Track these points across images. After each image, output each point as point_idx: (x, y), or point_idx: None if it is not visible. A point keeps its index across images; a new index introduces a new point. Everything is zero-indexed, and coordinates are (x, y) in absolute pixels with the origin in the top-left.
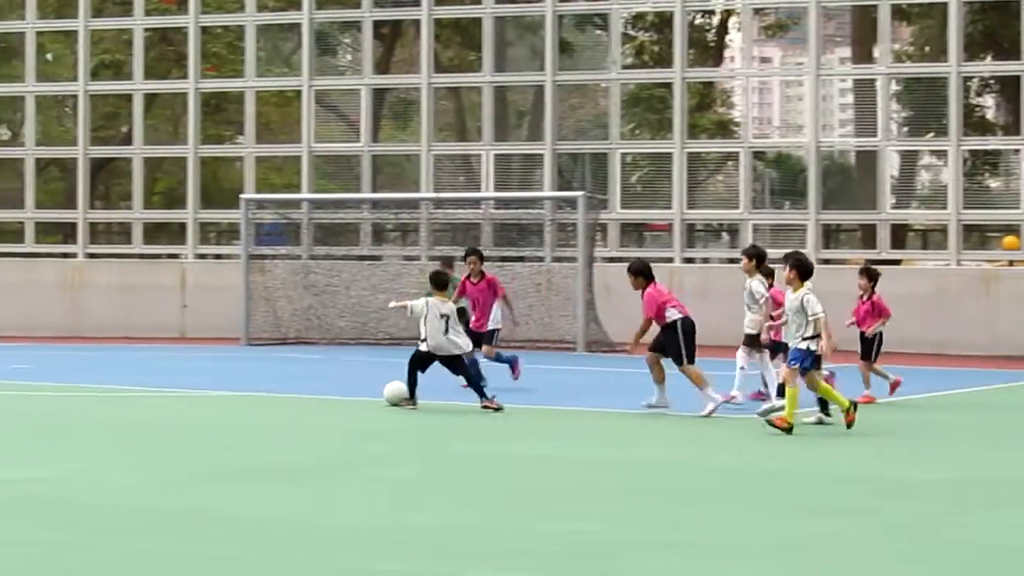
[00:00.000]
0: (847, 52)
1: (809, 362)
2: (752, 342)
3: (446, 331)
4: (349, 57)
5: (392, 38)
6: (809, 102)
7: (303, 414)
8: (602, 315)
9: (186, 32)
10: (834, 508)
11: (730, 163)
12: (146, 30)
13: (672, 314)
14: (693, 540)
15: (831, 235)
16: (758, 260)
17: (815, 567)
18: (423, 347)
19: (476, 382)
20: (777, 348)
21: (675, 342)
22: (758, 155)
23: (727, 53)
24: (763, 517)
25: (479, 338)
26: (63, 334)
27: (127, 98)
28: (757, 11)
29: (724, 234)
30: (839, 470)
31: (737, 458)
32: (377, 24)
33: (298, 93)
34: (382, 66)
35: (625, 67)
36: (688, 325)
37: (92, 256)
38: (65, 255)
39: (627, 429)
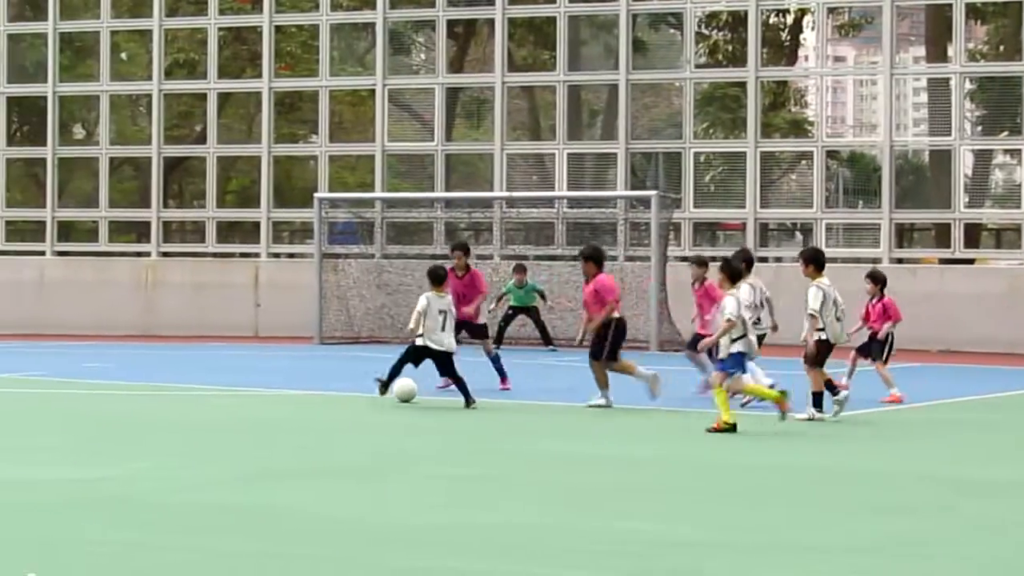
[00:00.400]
0: (921, 51)
1: (741, 365)
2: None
3: (443, 327)
4: (423, 56)
5: (466, 37)
6: (883, 101)
7: (374, 413)
8: (675, 314)
9: (260, 31)
10: (902, 508)
11: (804, 162)
12: (220, 29)
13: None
14: (756, 540)
15: (904, 234)
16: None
17: (884, 567)
18: (419, 341)
19: (462, 382)
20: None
21: (604, 338)
22: (832, 154)
23: (801, 52)
24: (829, 517)
25: (470, 328)
26: (136, 333)
27: (201, 97)
28: (831, 10)
29: (797, 233)
30: (908, 469)
31: (798, 458)
32: (451, 23)
33: (372, 92)
34: (456, 65)
35: (699, 66)
36: (623, 326)
37: (165, 255)
38: (139, 254)
39: (693, 427)
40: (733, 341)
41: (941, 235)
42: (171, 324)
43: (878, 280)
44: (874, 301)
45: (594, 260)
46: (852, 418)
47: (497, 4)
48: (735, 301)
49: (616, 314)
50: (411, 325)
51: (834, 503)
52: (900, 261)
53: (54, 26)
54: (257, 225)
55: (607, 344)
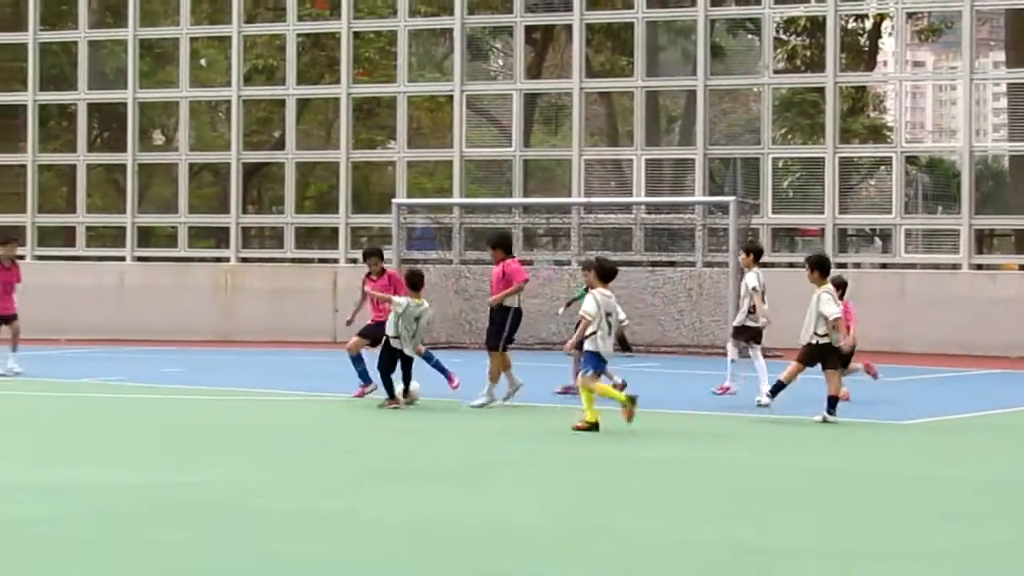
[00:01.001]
0: (1001, 56)
1: (596, 363)
2: (754, 335)
3: (414, 335)
4: (501, 62)
5: (544, 43)
6: (962, 106)
7: (450, 418)
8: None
9: (339, 37)
10: (974, 515)
11: (882, 168)
12: (299, 35)
13: (513, 300)
14: (848, 547)
15: (984, 240)
16: (755, 255)
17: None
18: (395, 344)
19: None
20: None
21: (501, 327)
22: (911, 160)
23: (880, 57)
24: (925, 524)
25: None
26: (215, 338)
27: (280, 103)
28: (910, 15)
29: (876, 239)
30: (982, 476)
31: (892, 463)
32: (529, 29)
33: (450, 98)
34: (533, 71)
35: (777, 71)
36: (520, 315)
37: (244, 260)
38: (218, 259)
39: (776, 433)
40: (586, 338)
41: (1021, 241)
42: (250, 329)
43: (839, 285)
44: None
45: (501, 247)
46: (923, 425)
47: (575, 9)
48: (592, 299)
49: (516, 303)
50: (389, 332)
51: (914, 509)
52: (980, 267)
53: (134, 32)
54: (335, 231)
55: (505, 332)
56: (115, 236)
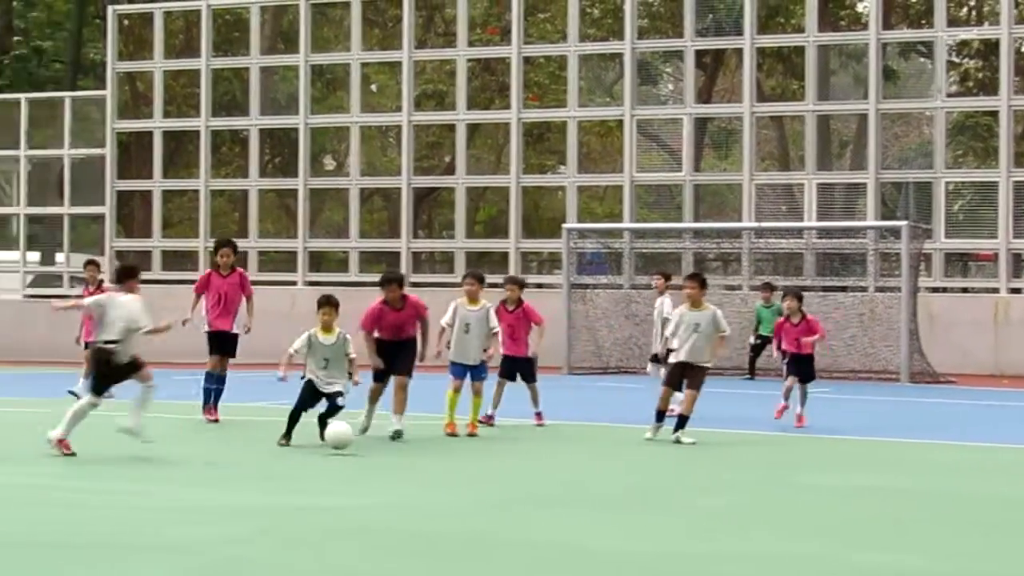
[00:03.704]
0: None
1: None
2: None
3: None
4: (671, 86)
5: (714, 67)
6: None
7: (619, 443)
8: (926, 346)
9: (509, 62)
10: None
11: None
12: (469, 60)
13: None
14: (999, 570)
15: None
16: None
17: None
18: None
19: (296, 414)
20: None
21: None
22: None
23: None
24: None
25: (223, 342)
26: None
27: (450, 128)
28: None
29: None
30: None
31: None
32: (699, 53)
33: (620, 122)
34: (704, 95)
35: (950, 95)
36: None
37: (415, 285)
38: None
39: (951, 461)
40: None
41: None
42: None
43: (801, 298)
44: (795, 321)
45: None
46: None
47: (746, 34)
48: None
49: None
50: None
51: None
52: None
53: (305, 59)
54: (506, 255)
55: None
56: (286, 261)
